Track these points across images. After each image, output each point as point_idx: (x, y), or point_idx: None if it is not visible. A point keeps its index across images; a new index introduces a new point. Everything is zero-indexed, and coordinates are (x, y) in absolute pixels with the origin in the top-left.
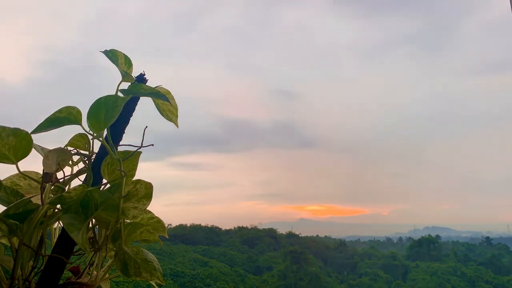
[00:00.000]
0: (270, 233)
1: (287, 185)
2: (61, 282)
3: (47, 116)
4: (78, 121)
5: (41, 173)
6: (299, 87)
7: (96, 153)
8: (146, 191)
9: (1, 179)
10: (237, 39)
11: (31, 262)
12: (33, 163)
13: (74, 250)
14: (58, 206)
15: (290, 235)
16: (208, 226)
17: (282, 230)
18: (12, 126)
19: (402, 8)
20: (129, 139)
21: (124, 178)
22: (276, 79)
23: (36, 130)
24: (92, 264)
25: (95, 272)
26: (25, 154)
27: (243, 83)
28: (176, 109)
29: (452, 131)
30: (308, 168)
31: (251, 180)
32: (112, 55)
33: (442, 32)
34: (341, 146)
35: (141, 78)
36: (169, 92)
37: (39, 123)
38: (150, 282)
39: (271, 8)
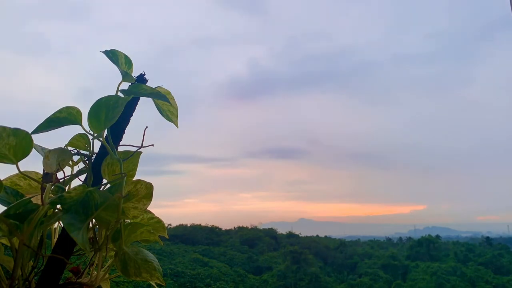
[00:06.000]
0: (270, 233)
1: (289, 185)
2: (61, 282)
3: (47, 116)
4: (78, 121)
5: (41, 173)
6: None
7: (96, 153)
8: (146, 191)
9: (1, 179)
10: None
11: (31, 262)
12: (33, 163)
13: (74, 250)
14: (58, 206)
15: (290, 235)
16: (208, 226)
17: (282, 230)
18: (12, 126)
19: None
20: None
21: (125, 178)
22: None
23: (36, 130)
24: (92, 264)
25: (95, 272)
26: (25, 154)
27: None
28: (176, 110)
29: (451, 132)
30: (310, 168)
31: (253, 178)
32: (113, 55)
33: None
34: (345, 149)
35: (142, 78)
36: (169, 93)
37: (39, 123)
38: (150, 282)
39: None
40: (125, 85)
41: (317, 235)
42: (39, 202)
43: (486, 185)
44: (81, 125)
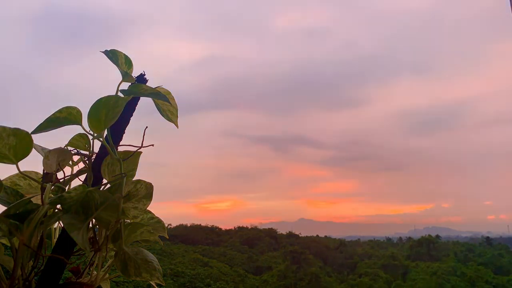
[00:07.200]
0: (270, 233)
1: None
2: (61, 282)
3: (47, 116)
4: (78, 121)
5: (41, 173)
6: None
7: (96, 153)
8: (146, 191)
9: (1, 179)
10: None
11: (31, 262)
12: (33, 163)
13: (74, 250)
14: (58, 206)
15: (290, 235)
16: (208, 226)
17: (282, 230)
18: (12, 126)
19: None
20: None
21: (125, 178)
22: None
23: (36, 130)
24: (92, 264)
25: (95, 272)
26: (25, 154)
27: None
28: (176, 110)
29: (450, 129)
30: (309, 168)
31: (253, 178)
32: (113, 55)
33: None
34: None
35: (142, 78)
36: (169, 93)
37: (39, 123)
38: (150, 282)
39: None
40: (125, 85)
41: (317, 235)
42: (39, 202)
43: (486, 185)
44: (81, 125)
